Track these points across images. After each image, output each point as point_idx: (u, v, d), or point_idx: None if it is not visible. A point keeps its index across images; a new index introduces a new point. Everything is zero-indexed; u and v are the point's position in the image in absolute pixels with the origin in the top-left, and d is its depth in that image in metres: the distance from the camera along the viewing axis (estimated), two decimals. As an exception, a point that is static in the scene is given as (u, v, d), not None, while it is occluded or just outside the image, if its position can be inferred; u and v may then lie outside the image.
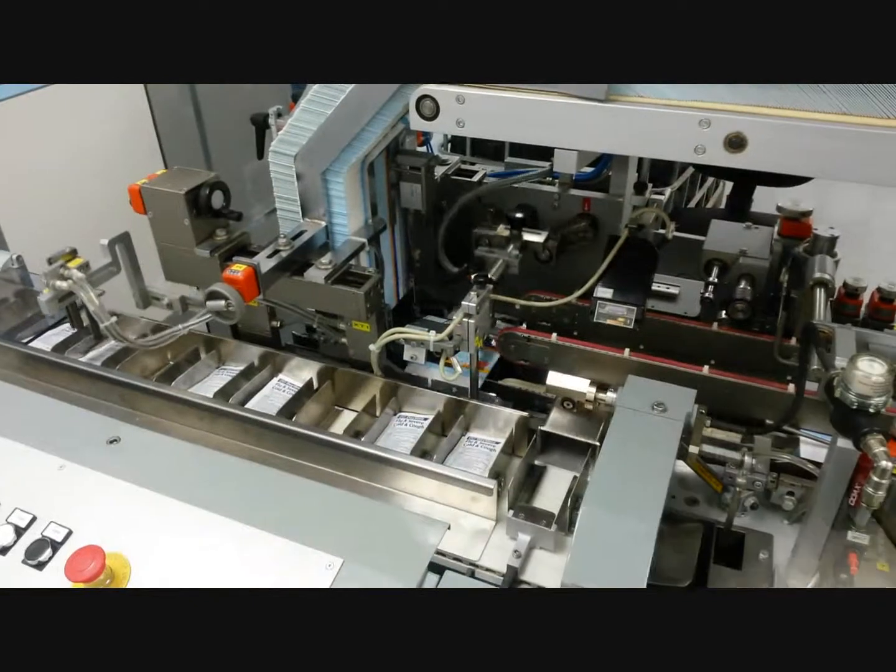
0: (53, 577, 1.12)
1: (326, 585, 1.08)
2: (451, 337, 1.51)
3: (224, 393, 1.67)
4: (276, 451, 1.51)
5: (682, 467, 1.37)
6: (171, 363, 1.80)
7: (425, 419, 1.61)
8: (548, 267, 1.81)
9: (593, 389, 1.51)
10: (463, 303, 1.48)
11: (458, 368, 1.54)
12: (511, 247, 1.74)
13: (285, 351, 1.82)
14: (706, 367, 1.55)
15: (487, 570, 1.27)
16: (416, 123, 1.38)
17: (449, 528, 1.18)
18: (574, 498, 1.35)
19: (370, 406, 1.67)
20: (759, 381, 1.52)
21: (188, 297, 1.91)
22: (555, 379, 1.60)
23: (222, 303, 1.38)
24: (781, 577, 1.29)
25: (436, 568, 1.14)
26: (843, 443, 1.09)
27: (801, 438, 1.50)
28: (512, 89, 1.28)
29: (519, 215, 1.84)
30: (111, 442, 1.34)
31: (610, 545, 1.11)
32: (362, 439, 1.54)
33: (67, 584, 1.08)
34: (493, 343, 1.75)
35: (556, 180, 1.85)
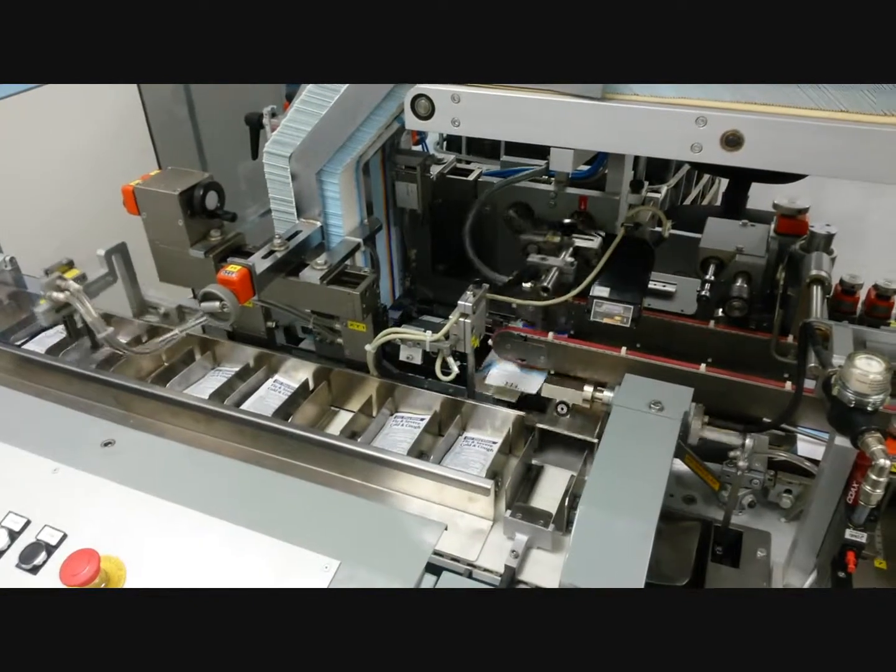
0: (48, 580, 1.11)
1: (323, 587, 1.07)
2: (447, 337, 1.51)
3: (219, 394, 1.66)
4: (271, 452, 1.51)
5: (680, 465, 1.37)
6: (166, 364, 1.79)
7: (422, 419, 1.60)
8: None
9: (590, 389, 1.50)
10: (459, 302, 1.48)
11: (455, 369, 1.53)
12: (563, 253, 1.70)
13: (280, 351, 1.81)
14: (703, 366, 1.54)
15: (485, 570, 1.26)
16: (412, 123, 1.37)
17: (446, 529, 1.18)
18: (572, 497, 1.34)
19: (366, 406, 1.66)
20: (757, 378, 1.52)
21: (185, 306, 1.91)
22: (549, 392, 1.61)
23: (217, 304, 1.38)
24: (779, 575, 1.30)
25: (433, 569, 1.13)
26: (841, 441, 1.09)
27: (799, 436, 1.50)
28: (507, 88, 1.28)
29: (567, 220, 1.81)
30: (105, 445, 1.34)
31: (608, 545, 1.11)
32: (359, 440, 1.54)
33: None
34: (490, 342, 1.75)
35: (553, 179, 1.85)
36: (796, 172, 1.15)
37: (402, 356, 1.68)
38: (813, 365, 1.25)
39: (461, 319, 1.48)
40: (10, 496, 1.24)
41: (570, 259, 1.68)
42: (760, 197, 2.58)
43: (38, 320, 1.63)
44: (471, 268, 1.83)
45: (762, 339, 1.61)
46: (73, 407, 1.52)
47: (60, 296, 1.56)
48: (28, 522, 1.19)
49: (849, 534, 1.13)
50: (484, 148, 4.09)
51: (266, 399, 1.70)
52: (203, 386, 1.75)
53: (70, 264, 1.66)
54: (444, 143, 4.24)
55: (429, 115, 1.34)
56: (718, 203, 4.14)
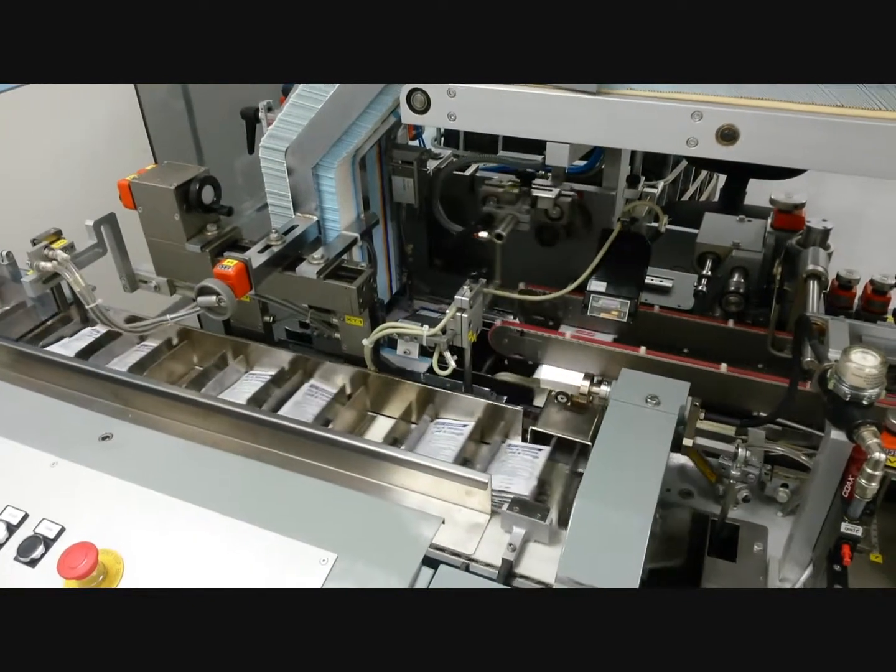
0: (46, 574, 1.11)
1: (320, 581, 1.07)
2: (444, 331, 1.51)
3: (256, 400, 1.64)
4: (269, 446, 1.50)
5: (677, 459, 1.38)
6: (199, 368, 1.77)
7: (464, 426, 1.58)
8: (545, 255, 1.77)
9: (587, 383, 1.51)
10: (456, 297, 1.48)
11: (452, 363, 1.53)
12: (520, 202, 1.67)
13: (316, 355, 1.78)
14: (700, 360, 1.55)
15: (482, 563, 1.27)
16: (408, 117, 1.37)
17: (443, 523, 1.18)
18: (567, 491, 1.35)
19: (406, 413, 1.64)
20: (753, 373, 1.52)
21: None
22: (547, 373, 1.60)
23: (213, 298, 1.38)
24: (775, 569, 1.30)
25: (430, 562, 1.13)
26: (837, 435, 1.09)
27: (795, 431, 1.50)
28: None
29: (529, 170, 1.76)
30: (104, 438, 1.34)
31: (605, 538, 1.11)
32: (402, 447, 1.52)
33: (60, 582, 1.07)
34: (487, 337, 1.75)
35: (549, 173, 1.85)
36: (792, 167, 1.15)
37: (399, 350, 1.68)
38: (809, 359, 1.26)
39: (458, 314, 1.48)
40: (9, 490, 1.24)
41: (525, 207, 1.67)
42: (759, 193, 2.58)
43: (25, 290, 1.59)
44: (469, 263, 1.83)
45: (759, 334, 1.62)
46: (72, 401, 1.52)
47: (48, 265, 1.54)
48: (26, 516, 1.19)
49: (844, 527, 1.14)
50: (481, 143, 4.08)
51: (303, 405, 1.67)
52: (238, 390, 1.73)
53: (58, 234, 1.62)
54: (442, 138, 4.23)
55: (425, 110, 1.34)
56: (716, 199, 4.14)
